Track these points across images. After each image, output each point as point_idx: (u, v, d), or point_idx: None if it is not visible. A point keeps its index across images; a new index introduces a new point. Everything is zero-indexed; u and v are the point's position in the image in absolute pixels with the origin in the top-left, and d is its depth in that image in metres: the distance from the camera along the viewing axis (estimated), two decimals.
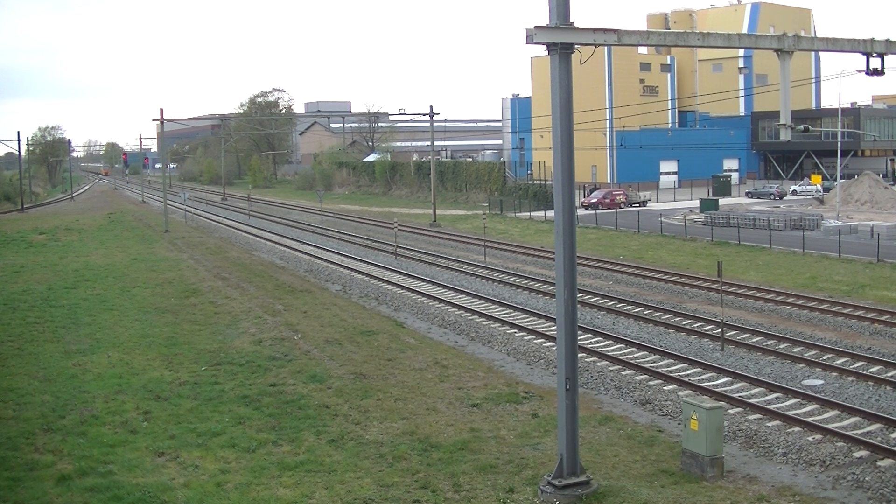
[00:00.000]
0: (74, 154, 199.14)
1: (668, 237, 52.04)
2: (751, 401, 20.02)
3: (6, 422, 18.51)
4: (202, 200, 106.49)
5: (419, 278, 39.62)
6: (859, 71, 16.27)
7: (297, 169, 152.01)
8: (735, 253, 44.51)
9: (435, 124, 68.41)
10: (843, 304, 30.54)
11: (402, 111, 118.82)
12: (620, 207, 71.57)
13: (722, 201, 73.46)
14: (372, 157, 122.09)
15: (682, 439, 16.28)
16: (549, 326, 27.61)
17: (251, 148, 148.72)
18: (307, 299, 33.84)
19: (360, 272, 41.86)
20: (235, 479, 15.42)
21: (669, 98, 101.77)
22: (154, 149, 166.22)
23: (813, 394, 20.47)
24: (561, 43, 14.07)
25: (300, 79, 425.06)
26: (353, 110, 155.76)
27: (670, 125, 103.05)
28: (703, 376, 22.45)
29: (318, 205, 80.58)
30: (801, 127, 18.15)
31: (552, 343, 25.31)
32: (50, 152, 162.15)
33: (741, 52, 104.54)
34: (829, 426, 18.12)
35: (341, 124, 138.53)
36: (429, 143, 72.47)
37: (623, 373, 22.98)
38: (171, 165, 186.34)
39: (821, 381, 21.81)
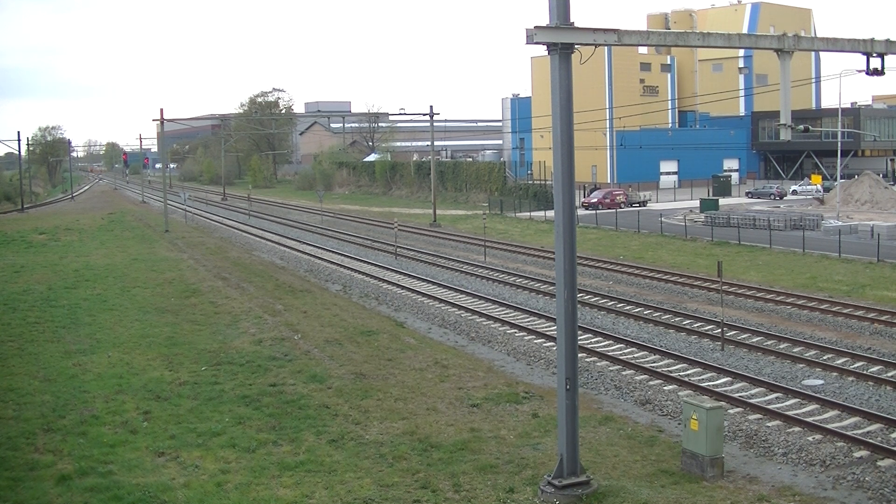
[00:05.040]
0: (74, 154, 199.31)
1: (669, 237, 52.04)
2: (751, 401, 20.02)
3: (6, 422, 18.51)
4: (202, 200, 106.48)
5: (419, 278, 39.63)
6: (859, 71, 16.28)
7: (297, 169, 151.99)
8: (735, 253, 44.51)
9: (435, 124, 68.41)
10: (843, 304, 30.53)
11: (402, 111, 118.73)
12: (620, 207, 71.56)
13: (722, 201, 73.45)
14: (372, 157, 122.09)
15: (683, 439, 16.28)
16: (550, 326, 27.61)
17: (251, 148, 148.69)
18: (307, 299, 33.84)
19: (360, 272, 41.86)
20: (235, 479, 15.42)
21: (669, 98, 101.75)
22: (154, 149, 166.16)
23: (813, 394, 20.47)
24: (561, 43, 14.06)
25: (300, 79, 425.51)
26: (353, 110, 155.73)
27: (670, 125, 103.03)
28: (703, 376, 22.45)
29: (318, 205, 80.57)
30: (802, 127, 18.15)
31: (552, 343, 25.31)
32: (50, 152, 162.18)
33: (741, 52, 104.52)
34: (830, 426, 18.12)
35: (341, 124, 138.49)
36: (429, 143, 72.47)
37: (623, 373, 22.98)
38: (172, 165, 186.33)
39: (821, 381, 21.81)
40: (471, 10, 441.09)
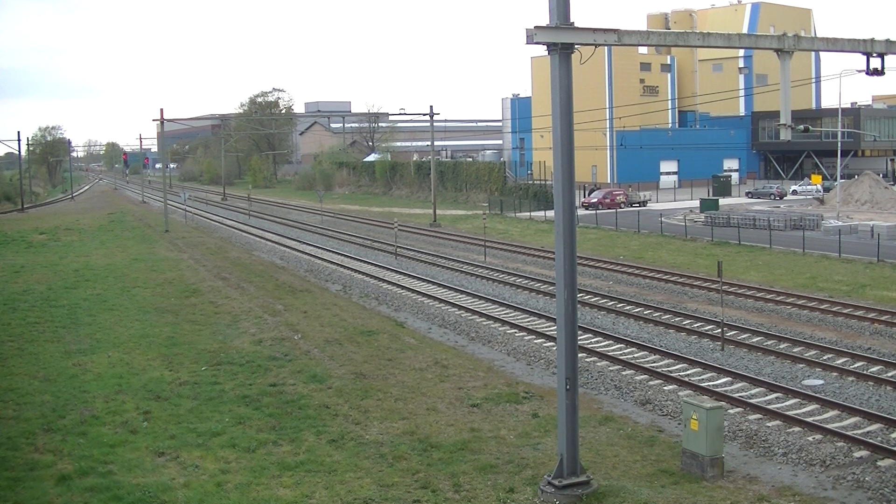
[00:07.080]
0: (74, 154, 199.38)
1: (669, 237, 52.03)
2: (751, 401, 20.02)
3: (6, 422, 18.51)
4: (202, 200, 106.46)
5: (419, 278, 39.62)
6: (859, 71, 16.28)
7: (297, 169, 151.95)
8: (735, 253, 44.51)
9: (435, 124, 68.41)
10: (843, 304, 30.53)
11: (402, 111, 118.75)
12: (620, 207, 71.56)
13: (722, 201, 73.45)
14: (372, 157, 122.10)
15: (683, 439, 16.28)
16: (550, 326, 27.60)
17: (251, 148, 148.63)
18: (307, 299, 33.84)
19: (360, 272, 41.85)
20: (235, 479, 15.42)
21: (669, 98, 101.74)
22: (154, 149, 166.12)
23: (813, 394, 20.47)
24: (561, 43, 14.06)
25: (300, 79, 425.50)
26: (353, 110, 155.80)
27: (670, 125, 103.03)
28: (703, 376, 22.45)
29: (318, 205, 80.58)
30: (802, 127, 18.18)
31: (552, 343, 25.31)
32: (50, 152, 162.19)
33: (741, 52, 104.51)
34: (830, 426, 18.12)
35: (341, 124, 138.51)
36: (429, 143, 72.47)
37: (623, 373, 22.98)
38: (172, 165, 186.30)
39: (821, 381, 21.81)
40: (471, 10, 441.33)
